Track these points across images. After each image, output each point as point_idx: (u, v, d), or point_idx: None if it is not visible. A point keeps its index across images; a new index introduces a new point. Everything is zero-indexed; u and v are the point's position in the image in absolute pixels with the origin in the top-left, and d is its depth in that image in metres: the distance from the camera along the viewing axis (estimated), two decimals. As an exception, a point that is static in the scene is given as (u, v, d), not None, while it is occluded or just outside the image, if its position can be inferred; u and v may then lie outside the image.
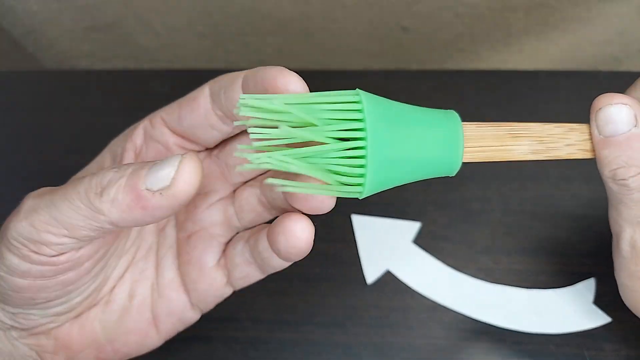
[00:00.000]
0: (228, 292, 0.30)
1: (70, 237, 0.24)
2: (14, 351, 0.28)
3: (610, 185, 0.29)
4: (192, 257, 0.29)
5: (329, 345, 0.37)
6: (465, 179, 0.44)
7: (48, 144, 0.48)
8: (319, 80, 0.50)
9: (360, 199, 0.25)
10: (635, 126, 0.27)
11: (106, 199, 0.23)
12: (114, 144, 0.29)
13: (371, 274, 0.39)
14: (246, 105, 0.23)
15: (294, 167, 0.23)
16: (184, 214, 0.30)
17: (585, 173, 0.43)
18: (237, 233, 0.30)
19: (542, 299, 0.38)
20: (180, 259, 0.30)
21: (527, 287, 0.38)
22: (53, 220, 0.24)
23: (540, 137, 0.28)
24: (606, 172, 0.28)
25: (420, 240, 0.41)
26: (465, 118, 0.47)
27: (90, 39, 0.60)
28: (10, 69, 0.64)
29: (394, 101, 0.25)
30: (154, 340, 0.31)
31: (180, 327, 0.31)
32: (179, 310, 0.30)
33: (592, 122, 0.28)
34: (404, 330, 0.37)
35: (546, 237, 0.41)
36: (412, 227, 0.41)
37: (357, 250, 0.40)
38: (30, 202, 0.25)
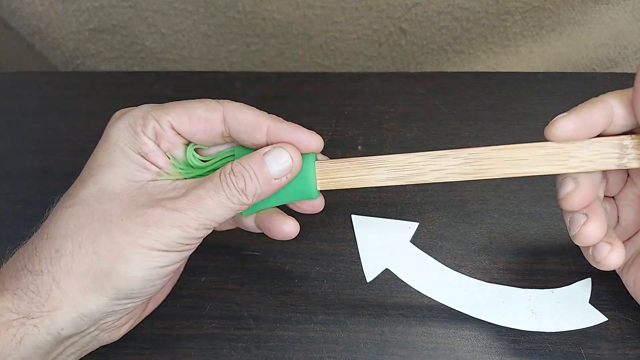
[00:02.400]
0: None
1: (215, 225, 0.32)
2: (84, 341, 0.33)
3: None
4: None
5: (330, 342, 0.37)
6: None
7: (54, 144, 0.48)
8: (319, 82, 0.50)
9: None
10: None
11: (250, 194, 0.32)
12: (122, 143, 0.33)
13: (370, 273, 0.40)
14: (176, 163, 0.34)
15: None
16: None
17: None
18: None
19: (539, 298, 0.38)
20: None
21: (524, 287, 0.39)
22: (207, 220, 0.31)
23: (398, 166, 0.33)
24: None
25: (419, 240, 0.41)
26: (463, 119, 0.48)
27: (96, 40, 0.60)
28: (17, 69, 0.64)
29: None
30: (178, 276, 0.38)
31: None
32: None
33: None
34: (402, 328, 0.38)
35: (543, 237, 0.41)
36: (410, 227, 0.42)
37: (356, 250, 0.41)
38: (166, 212, 0.31)
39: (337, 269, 0.40)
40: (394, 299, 0.39)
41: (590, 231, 0.32)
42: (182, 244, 0.31)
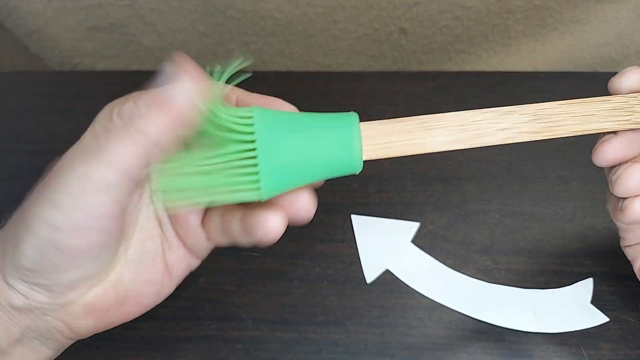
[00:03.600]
0: (212, 246, 0.34)
1: (125, 177, 0.28)
2: (41, 325, 0.31)
3: None
4: (179, 219, 0.33)
5: (330, 344, 0.37)
6: (464, 180, 0.44)
7: (52, 144, 0.48)
8: (319, 81, 0.50)
9: (263, 200, 0.28)
10: None
11: (136, 116, 0.28)
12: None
13: (371, 274, 0.40)
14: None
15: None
16: None
17: (583, 174, 0.44)
18: None
19: (541, 298, 0.38)
20: (172, 220, 0.34)
21: (525, 287, 0.39)
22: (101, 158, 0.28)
23: (461, 125, 0.29)
24: None
25: (419, 240, 0.41)
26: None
27: (94, 39, 0.60)
28: (13, 69, 0.64)
29: (292, 112, 0.29)
30: (168, 285, 0.35)
31: (187, 272, 0.35)
32: (185, 257, 0.34)
33: None
34: (403, 329, 0.37)
35: (544, 238, 0.41)
36: (411, 227, 0.42)
37: (356, 250, 0.41)
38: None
39: (337, 270, 0.40)
40: (395, 300, 0.39)
41: (634, 173, 0.30)
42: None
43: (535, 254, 0.40)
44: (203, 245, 0.35)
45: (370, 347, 0.37)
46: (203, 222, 0.34)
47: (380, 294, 0.39)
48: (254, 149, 0.27)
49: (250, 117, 0.28)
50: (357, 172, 0.29)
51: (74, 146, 0.31)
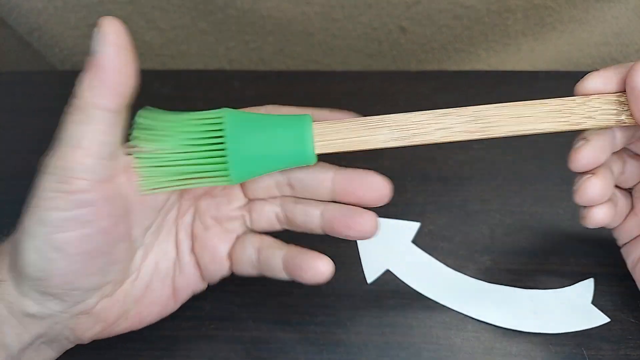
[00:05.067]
0: (229, 272, 0.37)
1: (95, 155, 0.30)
2: (50, 332, 0.32)
3: None
4: (207, 245, 0.35)
5: (330, 344, 0.37)
6: (465, 180, 0.44)
7: (51, 144, 0.47)
8: (319, 81, 0.50)
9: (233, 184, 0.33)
10: None
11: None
12: None
13: (371, 274, 0.40)
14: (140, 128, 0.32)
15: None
16: (206, 211, 0.36)
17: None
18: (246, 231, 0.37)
19: (541, 299, 0.38)
20: (197, 244, 0.36)
21: (526, 288, 0.39)
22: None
23: (402, 125, 0.32)
24: None
25: (420, 240, 0.41)
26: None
27: None
28: (15, 68, 0.64)
29: (256, 114, 0.33)
30: (172, 307, 0.36)
31: (191, 296, 0.37)
32: (194, 283, 0.36)
33: None
34: (403, 329, 0.37)
35: (545, 238, 0.41)
36: (411, 227, 0.42)
37: (357, 250, 0.40)
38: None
39: (338, 269, 0.40)
40: (395, 300, 0.39)
41: (592, 186, 0.32)
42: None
43: (535, 254, 0.40)
44: (221, 273, 0.36)
45: (371, 347, 0.37)
46: (230, 253, 0.36)
47: (380, 294, 0.39)
48: (223, 144, 0.32)
49: (220, 117, 0.32)
50: (312, 164, 0.32)
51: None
